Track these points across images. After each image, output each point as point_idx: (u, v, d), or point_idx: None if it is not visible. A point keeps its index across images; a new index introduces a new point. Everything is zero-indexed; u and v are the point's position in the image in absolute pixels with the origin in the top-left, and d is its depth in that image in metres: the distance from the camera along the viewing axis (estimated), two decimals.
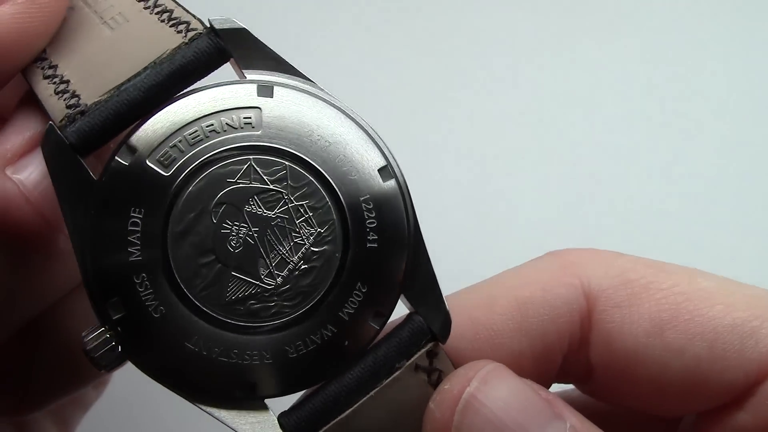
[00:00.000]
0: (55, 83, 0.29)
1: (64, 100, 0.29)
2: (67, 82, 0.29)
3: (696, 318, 0.30)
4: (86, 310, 0.36)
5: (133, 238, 0.27)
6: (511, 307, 0.31)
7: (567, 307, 0.31)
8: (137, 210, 0.27)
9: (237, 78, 0.29)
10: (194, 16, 0.30)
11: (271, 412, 0.28)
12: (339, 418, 0.28)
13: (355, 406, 0.28)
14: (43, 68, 0.30)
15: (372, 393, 0.28)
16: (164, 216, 0.27)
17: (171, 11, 0.30)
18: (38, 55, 0.31)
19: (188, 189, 0.27)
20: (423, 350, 0.29)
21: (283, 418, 0.28)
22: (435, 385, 0.29)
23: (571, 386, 0.34)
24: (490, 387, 0.28)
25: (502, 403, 0.27)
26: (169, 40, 0.29)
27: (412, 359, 0.29)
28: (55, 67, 0.30)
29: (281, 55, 0.29)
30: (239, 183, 0.27)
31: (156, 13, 0.30)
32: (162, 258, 0.27)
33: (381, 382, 0.28)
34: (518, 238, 0.57)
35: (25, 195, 0.30)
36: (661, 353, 0.30)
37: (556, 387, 0.33)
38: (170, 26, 0.29)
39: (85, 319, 0.36)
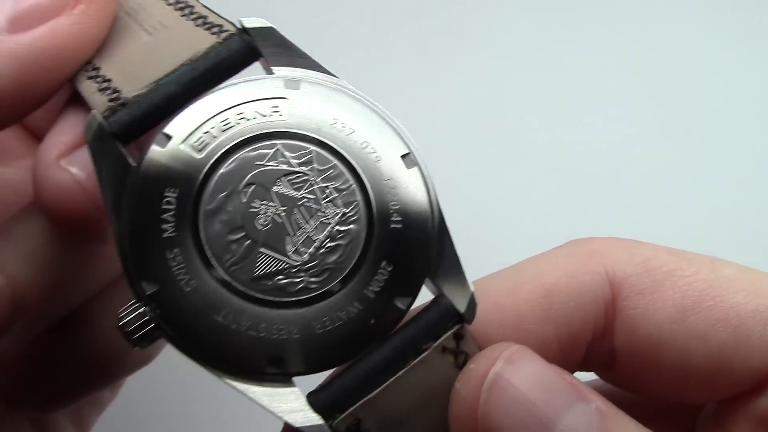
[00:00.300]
0: (98, 82, 0.31)
1: (107, 95, 0.30)
2: (109, 80, 0.31)
3: (719, 304, 0.30)
4: (118, 306, 0.37)
5: (167, 216, 0.28)
6: (537, 294, 0.31)
7: (592, 294, 0.31)
8: (171, 190, 0.28)
9: (265, 74, 0.30)
10: (227, 20, 0.31)
11: (300, 391, 0.29)
12: (367, 397, 0.28)
13: (383, 386, 0.28)
14: (87, 71, 0.32)
15: (400, 373, 0.29)
16: (196, 195, 0.28)
17: (205, 17, 0.32)
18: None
19: (219, 170, 0.28)
20: (450, 332, 0.29)
21: (311, 396, 0.28)
22: (461, 367, 0.29)
23: (592, 374, 0.34)
24: (516, 366, 0.28)
25: (528, 382, 0.28)
26: (204, 40, 0.31)
27: (439, 341, 0.29)
28: (98, 69, 0.32)
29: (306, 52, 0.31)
30: (268, 165, 0.29)
31: (192, 19, 0.32)
32: (193, 234, 0.28)
33: (408, 363, 0.29)
34: (526, 232, 0.58)
35: (81, 184, 0.31)
36: (684, 339, 0.30)
37: (578, 375, 0.33)
38: (205, 29, 0.31)
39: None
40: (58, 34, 0.31)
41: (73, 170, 0.31)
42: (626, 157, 0.62)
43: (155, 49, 0.32)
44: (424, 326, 0.29)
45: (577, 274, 0.31)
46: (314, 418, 0.28)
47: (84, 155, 0.31)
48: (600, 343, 0.32)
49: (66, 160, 0.31)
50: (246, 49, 0.30)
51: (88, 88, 0.31)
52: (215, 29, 0.31)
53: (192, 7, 0.32)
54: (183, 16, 0.32)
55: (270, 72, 0.30)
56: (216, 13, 0.32)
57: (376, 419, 0.28)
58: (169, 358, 0.42)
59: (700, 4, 0.64)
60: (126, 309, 0.28)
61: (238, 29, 0.31)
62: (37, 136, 0.41)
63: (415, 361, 0.29)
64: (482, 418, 0.27)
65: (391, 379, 0.29)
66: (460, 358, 0.29)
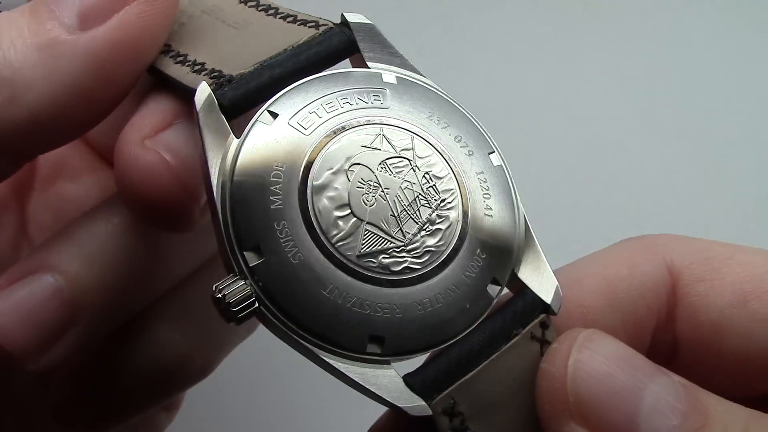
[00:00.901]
0: (189, 65, 0.31)
1: (204, 74, 0.31)
2: (202, 64, 0.31)
3: None
4: (176, 314, 0.37)
5: (276, 188, 0.28)
6: (599, 285, 0.32)
7: (653, 282, 0.32)
8: (280, 164, 0.28)
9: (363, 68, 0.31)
10: (320, 18, 0.32)
11: (396, 372, 0.28)
12: (463, 379, 0.28)
13: (477, 369, 0.29)
14: (172, 57, 0.32)
15: (492, 357, 0.29)
16: (305, 170, 0.29)
17: (295, 15, 0.33)
18: (163, 49, 0.33)
19: (327, 148, 0.29)
20: (537, 320, 0.30)
21: (408, 378, 0.28)
22: None
23: None
24: (597, 343, 0.29)
25: (611, 357, 0.28)
26: (303, 32, 0.32)
27: (528, 327, 0.29)
28: (184, 55, 0.32)
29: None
30: (372, 148, 0.29)
31: (280, 18, 0.33)
32: (302, 208, 0.28)
33: (500, 348, 0.29)
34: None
35: (168, 163, 0.31)
36: (746, 324, 0.31)
37: None
38: (299, 25, 0.32)
39: (173, 324, 0.37)
40: (128, 25, 0.31)
41: (160, 150, 0.31)
42: (628, 158, 0.63)
43: (251, 37, 0.32)
44: (512, 314, 0.30)
45: (637, 265, 0.32)
46: (416, 398, 0.28)
47: (169, 137, 0.31)
48: (663, 332, 0.33)
49: (151, 141, 0.31)
50: (345, 42, 0.31)
51: (178, 70, 0.31)
52: (311, 24, 0.32)
53: (276, 8, 0.33)
54: (269, 15, 0.33)
55: (364, 67, 0.31)
56: (305, 13, 0.33)
57: (470, 401, 0.29)
58: (225, 374, 0.42)
59: (706, 5, 0.67)
60: (224, 282, 0.27)
61: (336, 24, 0.32)
62: (99, 152, 0.41)
63: (506, 346, 0.29)
64: (572, 391, 0.28)
65: (485, 363, 0.29)
66: (545, 348, 0.30)
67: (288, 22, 0.32)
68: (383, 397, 0.28)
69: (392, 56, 0.32)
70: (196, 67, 0.31)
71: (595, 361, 0.28)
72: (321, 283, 0.28)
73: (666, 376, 0.28)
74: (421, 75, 0.32)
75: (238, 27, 0.33)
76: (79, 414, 0.38)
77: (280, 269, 0.28)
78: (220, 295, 0.27)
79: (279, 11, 0.33)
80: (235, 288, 0.27)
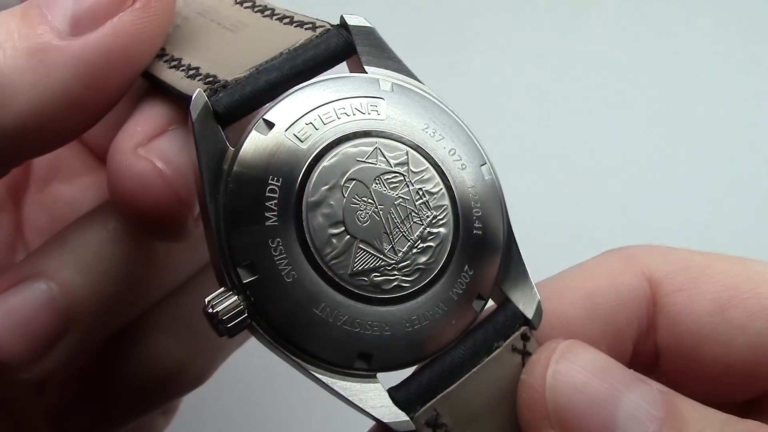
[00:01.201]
0: (183, 70, 0.31)
1: (199, 80, 0.30)
2: (197, 68, 0.31)
3: (755, 296, 0.32)
4: (171, 321, 0.37)
5: (271, 204, 0.28)
6: (580, 297, 0.33)
7: (633, 293, 0.33)
8: (276, 178, 0.28)
9: (360, 73, 0.31)
10: (317, 19, 0.32)
11: (382, 386, 0.29)
12: (445, 391, 0.29)
13: (459, 381, 0.29)
14: (166, 61, 0.32)
15: (474, 369, 0.30)
16: (300, 186, 0.28)
17: (291, 17, 0.32)
18: (158, 54, 0.32)
19: (322, 163, 0.29)
20: (518, 333, 0.30)
21: (392, 391, 0.29)
22: None
23: None
24: (575, 354, 0.29)
25: (589, 366, 0.29)
26: (299, 34, 0.31)
27: (509, 340, 0.30)
28: (179, 59, 0.32)
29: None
30: (367, 163, 0.29)
31: (277, 19, 0.32)
32: (297, 225, 0.28)
33: (482, 360, 0.30)
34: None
35: (160, 172, 0.30)
36: (724, 331, 0.32)
37: None
38: (295, 26, 0.32)
39: (168, 332, 0.37)
40: (122, 31, 0.30)
41: (153, 159, 0.30)
42: (613, 170, 0.64)
43: (247, 40, 0.32)
44: (494, 327, 0.30)
45: (616, 276, 0.33)
46: (400, 414, 0.29)
47: (163, 144, 0.31)
48: (644, 341, 0.33)
49: (144, 149, 0.30)
50: (344, 45, 0.31)
51: (173, 75, 0.31)
52: (307, 26, 0.31)
53: (272, 9, 0.33)
54: (265, 17, 0.33)
55: (361, 71, 0.31)
56: (301, 14, 0.32)
57: (453, 413, 0.29)
58: (223, 379, 0.42)
59: (710, 6, 0.67)
60: (216, 297, 0.27)
61: (333, 25, 0.31)
62: (95, 153, 0.41)
63: (488, 359, 0.30)
64: (551, 402, 0.29)
65: (467, 375, 0.30)
66: (526, 359, 0.30)
67: (284, 24, 0.32)
68: (368, 411, 0.29)
69: (390, 60, 0.31)
70: (191, 72, 0.31)
71: (572, 371, 0.29)
72: (313, 301, 0.28)
73: (644, 384, 0.29)
74: (419, 81, 0.31)
75: (233, 29, 0.33)
76: (74, 420, 0.38)
77: (273, 287, 0.28)
78: (212, 310, 0.27)
79: (275, 12, 0.33)
80: (228, 303, 0.27)
